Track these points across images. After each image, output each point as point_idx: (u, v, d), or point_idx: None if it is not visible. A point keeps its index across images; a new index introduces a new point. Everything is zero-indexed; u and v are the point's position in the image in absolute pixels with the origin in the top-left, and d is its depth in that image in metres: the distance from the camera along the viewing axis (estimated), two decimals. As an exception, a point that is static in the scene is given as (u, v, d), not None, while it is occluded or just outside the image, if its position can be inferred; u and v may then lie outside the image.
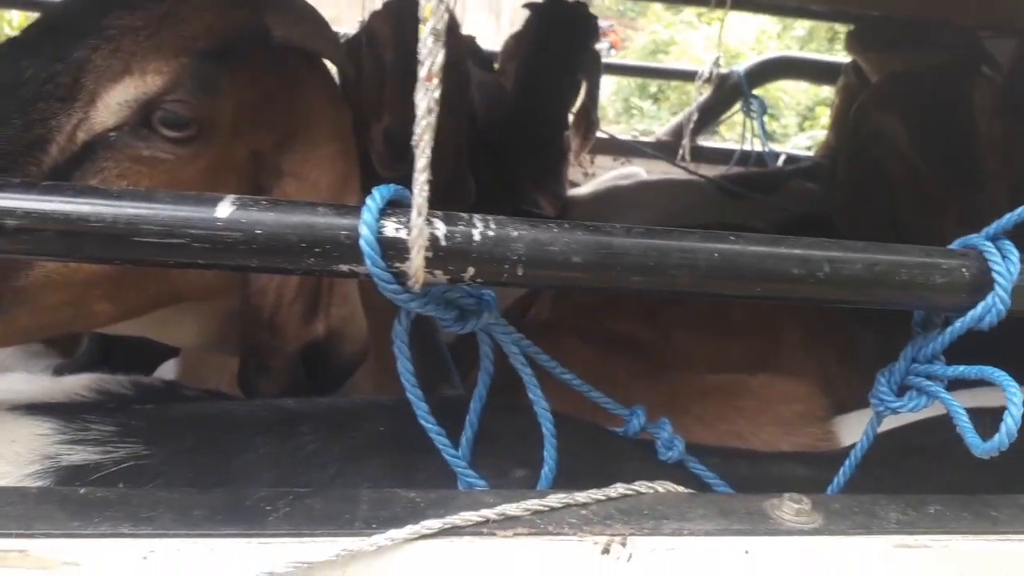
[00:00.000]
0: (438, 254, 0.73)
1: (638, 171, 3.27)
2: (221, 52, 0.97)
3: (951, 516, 0.95)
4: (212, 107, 0.97)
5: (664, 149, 3.42)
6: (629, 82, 9.83)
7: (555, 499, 0.85)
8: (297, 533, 0.76)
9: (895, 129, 2.04)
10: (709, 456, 1.02)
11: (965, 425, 0.82)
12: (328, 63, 1.19)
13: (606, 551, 0.82)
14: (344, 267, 0.72)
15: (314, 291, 1.04)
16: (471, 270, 0.74)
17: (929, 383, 0.88)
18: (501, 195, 2.63)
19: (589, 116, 2.99)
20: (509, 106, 2.70)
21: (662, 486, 0.92)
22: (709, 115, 3.52)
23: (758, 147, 3.36)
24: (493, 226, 0.74)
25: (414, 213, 0.71)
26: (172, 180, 0.95)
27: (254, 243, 0.70)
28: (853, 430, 1.28)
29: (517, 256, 0.74)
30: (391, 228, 0.72)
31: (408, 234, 0.71)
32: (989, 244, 0.84)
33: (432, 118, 0.71)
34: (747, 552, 0.85)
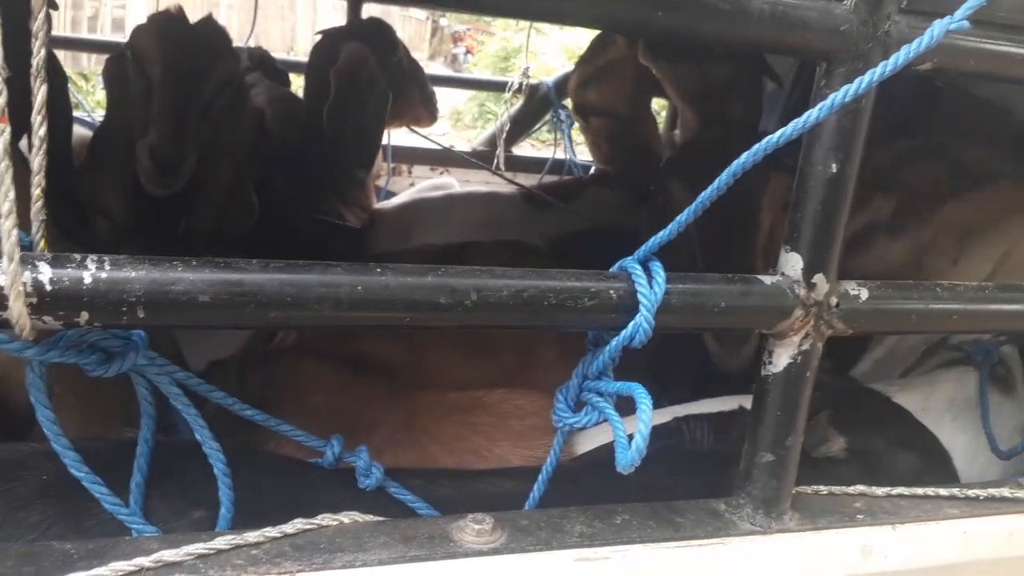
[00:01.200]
0: (44, 299, 0.69)
1: (451, 181, 3.28)
2: None
3: (636, 525, 0.98)
4: None
5: (480, 158, 3.45)
6: (483, 88, 9.88)
7: (223, 541, 0.83)
8: (-88, 600, 0.72)
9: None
10: (412, 479, 1.02)
11: (620, 440, 0.85)
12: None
13: (269, 591, 0.81)
14: (-64, 317, 0.68)
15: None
16: (84, 315, 0.71)
17: (599, 399, 0.91)
18: (301, 209, 2.58)
19: (426, 107, 2.99)
20: (305, 120, 2.65)
21: (348, 517, 0.91)
22: (521, 125, 3.58)
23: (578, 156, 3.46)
24: (108, 267, 0.72)
25: (5, 260, 0.67)
26: None
27: None
28: (591, 440, 1.31)
29: (135, 298, 0.72)
30: (-12, 274, 0.68)
31: (4, 280, 0.68)
32: (638, 267, 0.87)
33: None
34: (421, 579, 0.86)
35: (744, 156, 0.81)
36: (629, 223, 2.63)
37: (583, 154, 3.53)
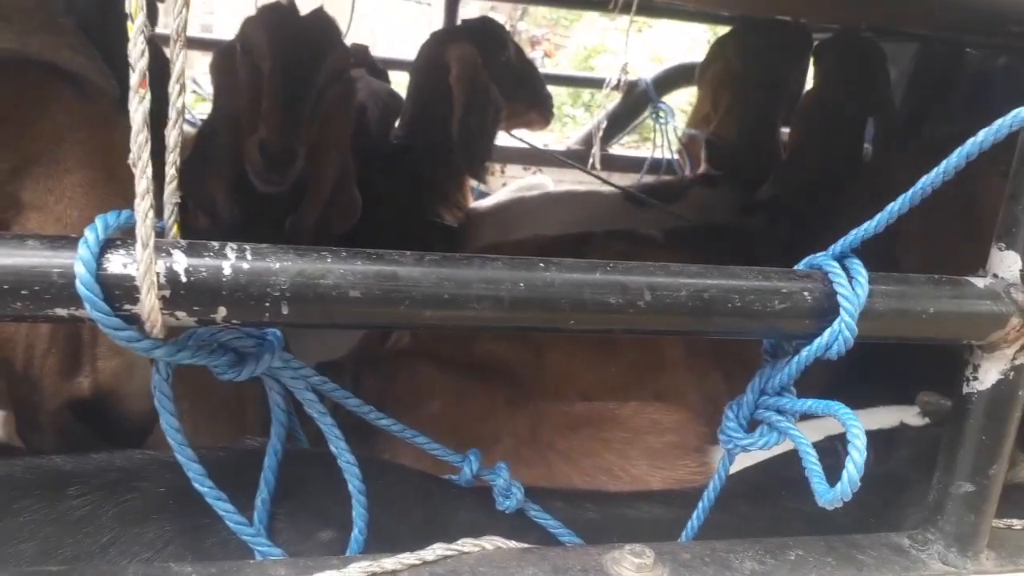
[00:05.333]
0: (179, 292, 0.61)
1: (545, 180, 3.18)
2: None
3: (813, 562, 0.86)
4: None
5: (575, 158, 3.35)
6: (561, 90, 9.75)
7: (357, 568, 0.74)
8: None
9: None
10: (552, 500, 0.92)
11: (814, 469, 0.73)
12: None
13: (411, 628, 0.72)
14: (62, 312, 0.60)
15: (73, 342, 0.90)
16: (222, 311, 0.62)
17: (779, 418, 0.80)
18: (399, 206, 2.52)
19: (538, 111, 2.89)
20: (410, 118, 2.59)
21: (490, 542, 0.81)
22: (618, 123, 3.47)
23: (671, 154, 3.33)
24: (250, 256, 0.63)
25: (139, 246, 0.59)
26: None
27: (-56, 286, 0.58)
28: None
29: (279, 292, 0.63)
30: (118, 264, 0.60)
31: (137, 270, 0.60)
32: (835, 264, 0.75)
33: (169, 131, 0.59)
34: (578, 620, 0.75)
35: (969, 143, 0.69)
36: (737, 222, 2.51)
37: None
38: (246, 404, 1.17)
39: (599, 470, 1.20)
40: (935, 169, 0.72)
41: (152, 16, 1.92)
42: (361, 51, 2.71)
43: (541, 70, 3.07)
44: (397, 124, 2.64)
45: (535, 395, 1.36)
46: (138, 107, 0.57)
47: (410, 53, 2.73)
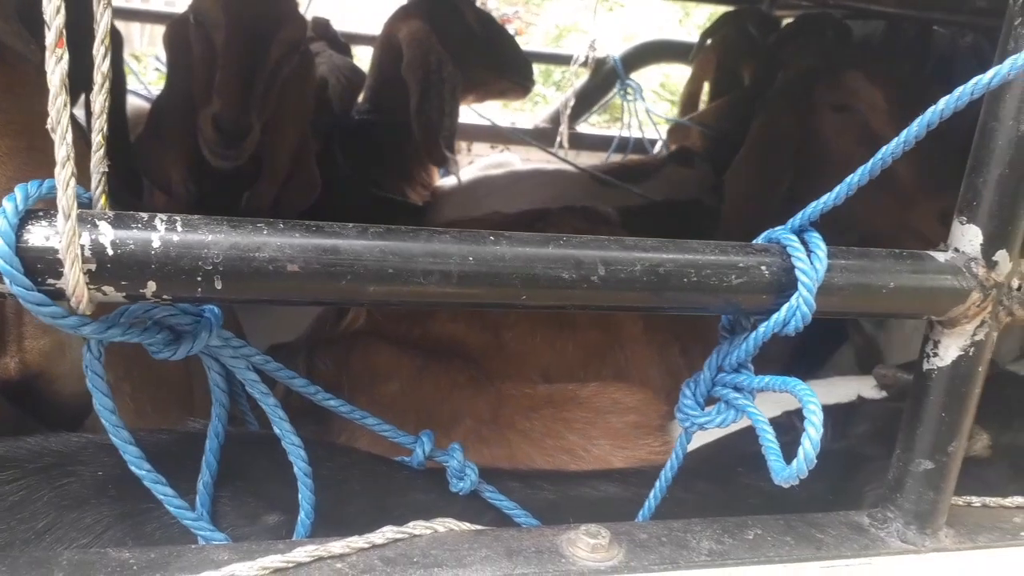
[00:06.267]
0: (105, 266, 0.58)
1: (512, 159, 3.14)
2: None
3: (772, 541, 0.85)
4: None
5: (542, 137, 3.31)
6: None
7: (303, 552, 0.72)
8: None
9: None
10: (508, 480, 0.90)
11: (770, 446, 0.71)
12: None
13: (358, 613, 0.69)
14: (-21, 286, 0.57)
15: (-4, 319, 0.86)
16: (152, 285, 0.59)
17: (736, 395, 0.78)
18: (361, 184, 2.47)
19: (511, 79, 2.79)
20: (369, 93, 2.54)
21: (442, 524, 0.79)
22: (586, 101, 3.43)
23: (649, 132, 3.30)
24: (180, 228, 0.60)
25: (60, 216, 0.56)
26: None
27: None
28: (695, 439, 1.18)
29: (212, 266, 0.60)
30: (40, 236, 0.57)
31: (60, 242, 0.56)
32: (793, 238, 0.74)
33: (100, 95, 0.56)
34: (530, 602, 0.73)
35: (929, 112, 0.67)
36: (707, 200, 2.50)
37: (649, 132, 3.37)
38: (194, 384, 1.14)
39: (561, 450, 1.18)
40: (895, 139, 0.70)
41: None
42: (322, 24, 2.65)
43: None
44: (360, 100, 2.59)
45: (495, 375, 1.33)
46: (55, 68, 0.53)
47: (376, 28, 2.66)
